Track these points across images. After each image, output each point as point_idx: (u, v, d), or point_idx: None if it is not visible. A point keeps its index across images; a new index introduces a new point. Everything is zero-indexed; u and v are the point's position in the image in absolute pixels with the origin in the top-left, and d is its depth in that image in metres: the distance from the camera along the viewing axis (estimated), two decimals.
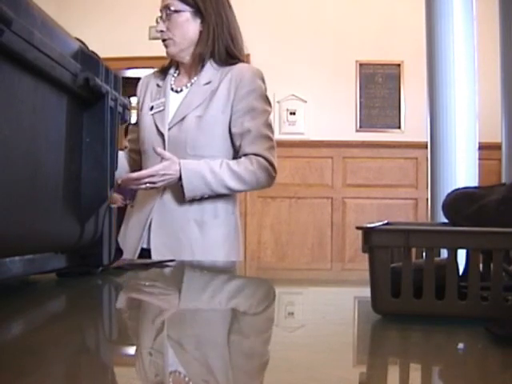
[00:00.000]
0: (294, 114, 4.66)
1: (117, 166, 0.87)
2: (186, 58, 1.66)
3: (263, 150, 1.60)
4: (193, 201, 1.58)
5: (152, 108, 1.70)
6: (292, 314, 0.69)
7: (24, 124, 0.65)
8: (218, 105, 1.61)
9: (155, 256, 1.53)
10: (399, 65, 4.65)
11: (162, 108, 1.67)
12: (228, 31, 1.64)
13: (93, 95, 0.80)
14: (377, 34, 4.60)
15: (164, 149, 1.59)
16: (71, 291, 0.78)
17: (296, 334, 0.55)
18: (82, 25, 4.46)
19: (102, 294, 0.83)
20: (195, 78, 1.66)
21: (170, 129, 1.62)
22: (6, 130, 0.60)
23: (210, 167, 1.55)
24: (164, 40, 1.65)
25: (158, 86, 1.74)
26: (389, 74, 4.68)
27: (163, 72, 1.74)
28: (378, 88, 4.68)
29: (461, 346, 0.51)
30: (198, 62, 1.65)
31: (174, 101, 1.67)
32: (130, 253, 1.54)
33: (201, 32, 1.63)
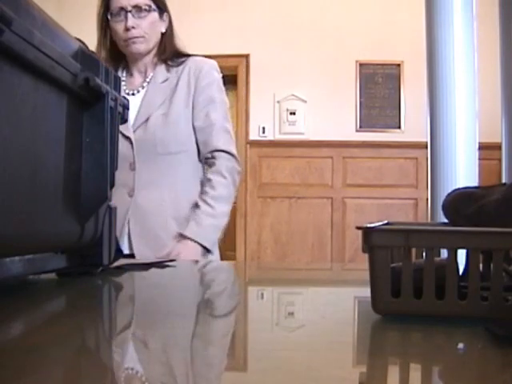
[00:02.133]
0: (294, 114, 4.66)
1: (117, 166, 0.87)
2: (148, 57, 1.69)
3: (228, 145, 1.66)
4: (167, 199, 1.61)
5: None
6: (292, 314, 0.69)
7: (24, 124, 0.65)
8: (180, 100, 1.64)
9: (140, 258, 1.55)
10: (399, 65, 4.66)
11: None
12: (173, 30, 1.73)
13: (93, 95, 0.80)
14: (377, 34, 4.60)
15: (132, 152, 1.59)
16: (71, 291, 0.78)
17: (296, 333, 0.55)
18: (82, 25, 4.45)
19: (101, 293, 0.83)
20: (149, 78, 1.68)
21: (134, 131, 1.62)
22: (6, 129, 0.60)
23: (210, 214, 1.59)
24: (134, 37, 1.63)
25: None
26: (389, 74, 4.69)
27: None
28: (378, 88, 4.69)
29: (461, 346, 0.51)
30: (155, 62, 1.69)
31: (131, 103, 1.68)
32: None
33: (165, 32, 1.69)
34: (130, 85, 1.71)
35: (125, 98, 0.93)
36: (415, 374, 0.42)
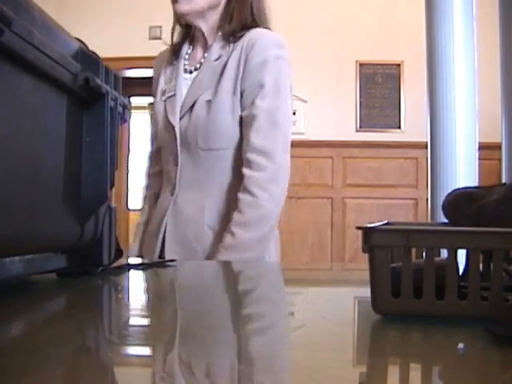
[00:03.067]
0: (294, 114, 4.66)
1: (117, 166, 0.87)
2: (206, 26, 1.40)
3: (269, 142, 1.30)
4: (207, 205, 1.37)
5: (164, 92, 1.45)
6: (292, 314, 0.69)
7: (24, 124, 0.65)
8: (228, 85, 1.34)
9: None
10: (399, 65, 4.65)
11: (172, 93, 1.42)
12: None
13: (93, 95, 0.80)
14: (377, 34, 4.60)
15: (176, 144, 1.38)
16: (71, 291, 0.78)
17: (296, 334, 0.55)
18: (82, 25, 4.46)
19: (102, 294, 0.83)
20: (206, 55, 1.41)
21: (181, 118, 1.38)
22: (6, 129, 0.60)
23: (230, 246, 1.28)
24: None
25: (172, 65, 1.48)
26: (389, 74, 4.68)
27: (178, 47, 1.48)
28: (378, 88, 4.69)
29: (461, 346, 0.51)
30: (214, 34, 1.40)
31: (186, 83, 1.42)
32: None
33: None
34: (192, 60, 1.44)
35: (125, 97, 0.92)
36: (415, 373, 0.42)
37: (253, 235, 1.30)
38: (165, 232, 1.41)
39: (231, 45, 1.36)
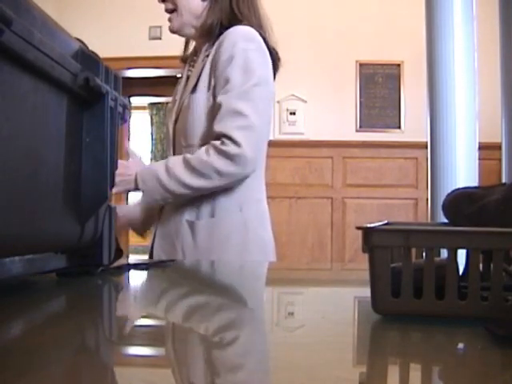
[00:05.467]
0: (294, 113, 4.66)
1: (117, 166, 0.87)
2: (191, 33, 1.48)
3: (228, 129, 1.32)
4: (190, 200, 1.40)
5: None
6: (292, 314, 0.69)
7: (24, 124, 0.65)
8: (204, 82, 1.40)
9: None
10: (399, 65, 4.65)
11: (172, 99, 1.53)
12: None
13: (93, 95, 0.80)
14: (377, 34, 4.60)
15: (173, 146, 1.46)
16: (71, 291, 0.78)
17: (296, 333, 0.55)
18: (82, 25, 4.46)
19: (102, 294, 0.83)
20: (195, 58, 1.50)
21: (176, 122, 1.46)
22: (6, 129, 0.60)
23: (165, 165, 1.35)
24: (168, 12, 1.45)
25: (181, 75, 1.57)
26: (389, 74, 4.68)
27: (185, 58, 1.57)
28: (378, 88, 4.69)
29: (461, 346, 0.51)
30: (206, 36, 1.46)
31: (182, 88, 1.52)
32: None
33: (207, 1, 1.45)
34: (194, 66, 1.51)
35: (125, 97, 0.92)
36: (415, 373, 0.42)
37: (185, 177, 1.33)
38: (155, 231, 1.48)
39: (213, 44, 1.42)
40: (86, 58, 0.79)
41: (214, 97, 1.37)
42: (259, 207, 1.47)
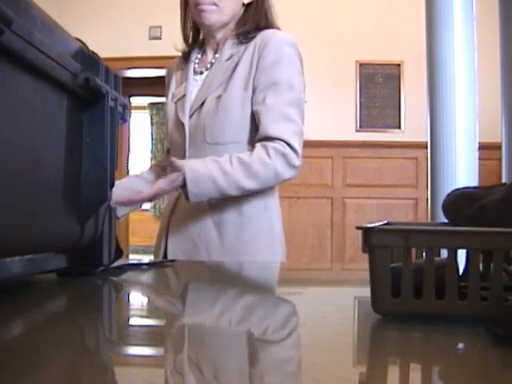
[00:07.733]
0: None
1: (117, 166, 0.87)
2: (222, 32, 1.45)
3: (285, 134, 1.32)
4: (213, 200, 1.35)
5: (175, 95, 1.51)
6: (292, 314, 0.68)
7: (24, 124, 0.65)
8: (239, 81, 1.38)
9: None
10: (399, 65, 4.65)
11: (183, 93, 1.47)
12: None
13: (93, 95, 0.80)
14: (377, 34, 4.60)
15: (184, 141, 1.41)
16: (71, 291, 0.78)
17: (296, 333, 0.55)
18: (83, 25, 4.46)
19: (102, 294, 0.83)
20: (217, 56, 1.46)
21: (190, 116, 1.42)
22: (6, 129, 0.60)
23: (220, 167, 1.29)
24: (203, 4, 1.39)
25: (182, 69, 1.54)
26: (389, 74, 4.68)
27: (188, 53, 1.53)
28: (378, 88, 4.69)
29: (461, 346, 0.51)
30: (226, 37, 1.45)
31: (196, 84, 1.47)
32: None
33: (251, 2, 1.44)
34: (202, 63, 1.49)
35: (125, 97, 0.92)
36: (415, 373, 0.42)
37: (246, 182, 1.31)
38: (168, 228, 1.41)
39: (243, 45, 1.42)
40: (86, 57, 0.79)
41: (252, 98, 1.37)
42: (278, 205, 1.49)
